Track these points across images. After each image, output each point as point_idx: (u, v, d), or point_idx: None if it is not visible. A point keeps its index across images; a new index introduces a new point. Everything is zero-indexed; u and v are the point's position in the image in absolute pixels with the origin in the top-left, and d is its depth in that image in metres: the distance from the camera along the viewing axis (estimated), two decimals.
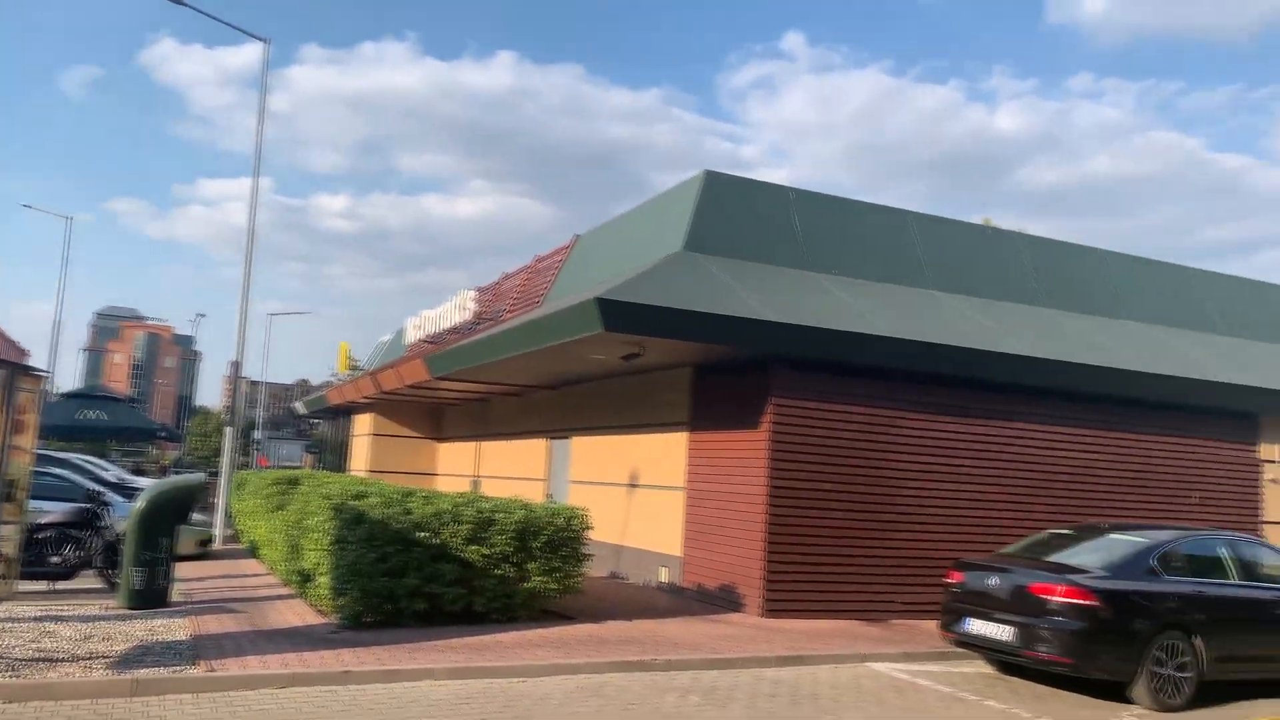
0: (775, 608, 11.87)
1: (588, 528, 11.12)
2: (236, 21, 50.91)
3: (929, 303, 14.72)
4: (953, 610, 9.68)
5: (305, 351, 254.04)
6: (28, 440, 8.13)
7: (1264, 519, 15.68)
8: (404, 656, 8.60)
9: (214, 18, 19.38)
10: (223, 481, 18.94)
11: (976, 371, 13.03)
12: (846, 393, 12.61)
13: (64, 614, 10.03)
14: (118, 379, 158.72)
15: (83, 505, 12.37)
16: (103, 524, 12.46)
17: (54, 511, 12.19)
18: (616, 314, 10.86)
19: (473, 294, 20.99)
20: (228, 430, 18.60)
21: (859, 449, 12.61)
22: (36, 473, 14.99)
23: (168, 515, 10.83)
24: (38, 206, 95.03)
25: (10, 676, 7.17)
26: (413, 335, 24.19)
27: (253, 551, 16.91)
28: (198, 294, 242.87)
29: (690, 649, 9.68)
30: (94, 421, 31.71)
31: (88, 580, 12.29)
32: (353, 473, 25.61)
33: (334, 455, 32.74)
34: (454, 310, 21.53)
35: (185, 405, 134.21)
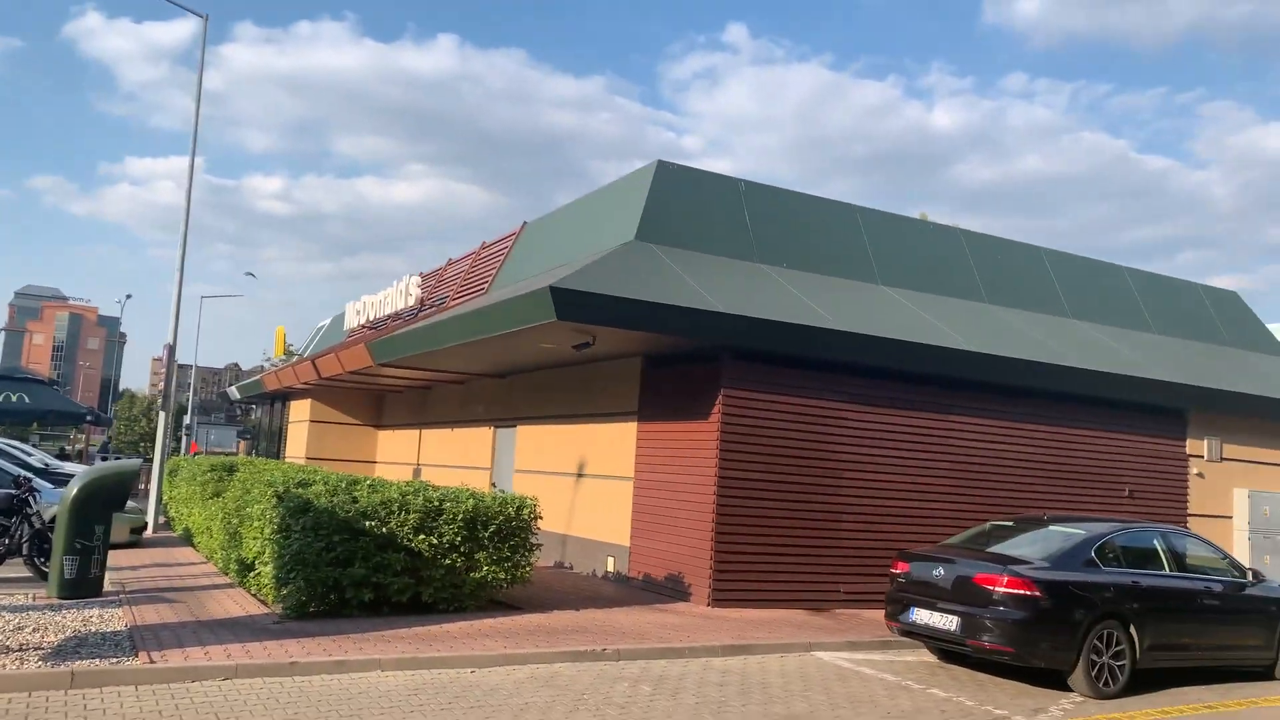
0: (722, 597, 11.96)
1: (538, 517, 11.05)
2: None
3: (875, 297, 14.93)
4: (898, 600, 9.85)
5: (236, 335, 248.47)
6: None
7: (1191, 512, 16.26)
8: (351, 647, 8.46)
9: None
10: (156, 467, 18.42)
11: (917, 365, 13.26)
12: (794, 384, 12.74)
13: None
14: (39, 360, 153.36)
15: (9, 491, 11.91)
16: (31, 510, 12.03)
17: None
18: (570, 302, 10.80)
19: (416, 279, 20.71)
20: (161, 415, 18.08)
21: (805, 440, 12.75)
22: None
23: (102, 502, 10.48)
24: None
25: None
26: (353, 320, 23.79)
27: (187, 539, 16.51)
28: (124, 275, 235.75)
29: (638, 638, 9.69)
30: (15, 405, 30.47)
31: (14, 569, 11.85)
32: (290, 460, 25.10)
33: (269, 442, 32.06)
34: (397, 295, 21.22)
35: (110, 388, 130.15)
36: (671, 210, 13.96)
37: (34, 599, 10.15)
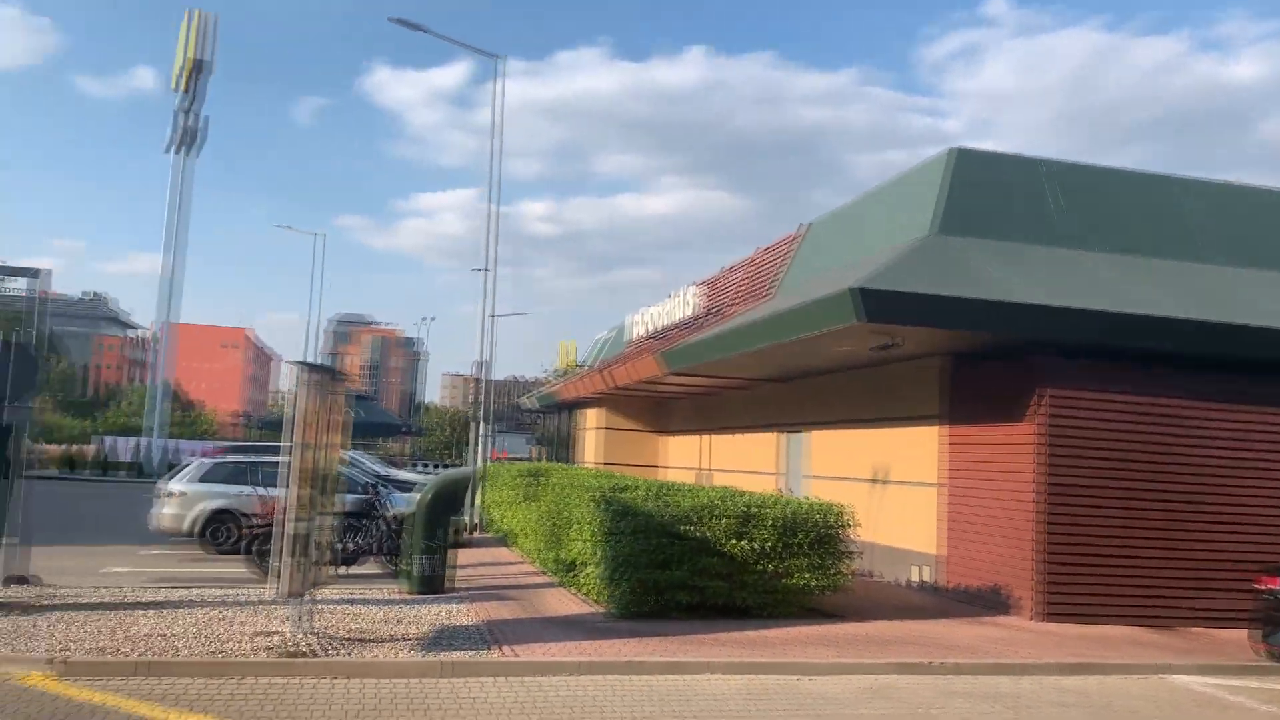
0: (1052, 611, 11.14)
1: (851, 524, 10.85)
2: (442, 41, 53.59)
3: (1204, 278, 13.37)
4: (1272, 620, 8.71)
5: (513, 350, 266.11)
6: (339, 438, 8.80)
7: None
8: (680, 649, 8.68)
9: (449, 39, 20.51)
10: (474, 473, 19.99)
11: (1276, 354, 11.70)
12: (1126, 381, 11.65)
13: (359, 598, 10.82)
14: (352, 380, 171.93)
15: (364, 496, 13.34)
16: (380, 513, 13.42)
17: (341, 502, 13.22)
18: (874, 303, 10.51)
19: (695, 289, 21.10)
20: (473, 425, 19.60)
21: (1142, 441, 11.61)
22: None
23: (446, 506, 11.47)
24: (290, 226, 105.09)
25: (342, 655, 7.78)
26: (636, 331, 24.63)
27: (504, 540, 17.74)
28: (417, 299, 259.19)
29: (968, 652, 9.23)
30: (352, 419, 34.39)
31: (368, 565, 13.22)
32: (583, 465, 26.41)
33: (560, 448, 33.94)
34: (677, 305, 21.72)
35: (411, 401, 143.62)
36: (970, 199, 13.27)
37: (394, 594, 11.26)
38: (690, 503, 10.38)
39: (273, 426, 52.40)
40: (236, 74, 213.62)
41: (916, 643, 9.52)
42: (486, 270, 19.07)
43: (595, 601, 10.81)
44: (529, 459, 37.64)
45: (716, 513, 10.24)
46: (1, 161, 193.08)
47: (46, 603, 9.66)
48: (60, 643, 7.84)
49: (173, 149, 42.31)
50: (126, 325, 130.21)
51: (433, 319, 79.47)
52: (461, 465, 41.49)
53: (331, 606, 9.84)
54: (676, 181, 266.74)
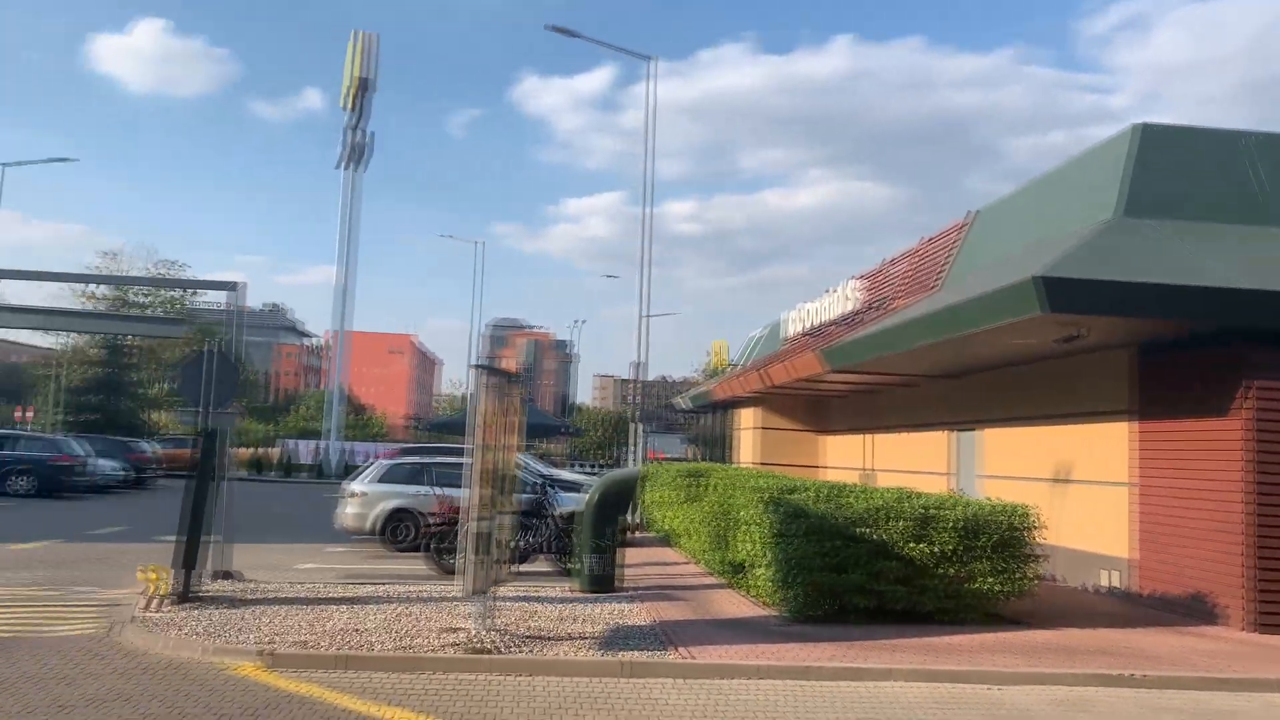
0: (1266, 621, 10.22)
1: (1036, 526, 10.30)
2: (585, 46, 54.51)
3: None
4: None
5: (661, 350, 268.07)
6: (515, 439, 9.01)
7: None
8: (859, 654, 8.43)
9: (601, 43, 20.72)
10: (639, 474, 20.19)
11: None
12: None
13: (533, 595, 11.06)
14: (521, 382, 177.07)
15: (535, 495, 13.65)
16: (549, 512, 13.69)
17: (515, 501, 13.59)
18: (1060, 293, 9.91)
19: (855, 283, 20.57)
20: (633, 426, 19.78)
21: None
22: None
23: (614, 506, 11.59)
24: (453, 236, 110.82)
25: (525, 653, 7.96)
26: (792, 329, 24.24)
27: (666, 539, 17.82)
28: (566, 302, 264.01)
29: (1172, 664, 8.57)
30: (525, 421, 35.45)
31: (536, 563, 13.52)
32: (739, 465, 26.25)
33: (714, 448, 33.87)
34: (836, 300, 21.23)
35: (565, 403, 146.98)
36: (1157, 177, 12.36)
37: (566, 592, 11.46)
38: (864, 504, 10.09)
39: (440, 429, 54.63)
40: (396, 90, 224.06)
41: (1113, 653, 8.91)
42: (641, 272, 19.21)
43: (766, 604, 10.67)
44: (684, 459, 37.76)
45: (893, 515, 9.91)
46: (186, 183, 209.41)
47: (249, 597, 10.33)
48: (266, 636, 8.34)
49: (343, 164, 44.75)
50: (302, 334, 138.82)
51: (583, 321, 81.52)
52: (615, 466, 42.05)
53: (508, 604, 10.09)
54: (823, 174, 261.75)
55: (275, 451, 45.06)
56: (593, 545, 11.43)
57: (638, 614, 10.05)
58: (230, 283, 11.28)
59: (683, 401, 36.34)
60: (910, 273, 18.70)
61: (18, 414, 52.22)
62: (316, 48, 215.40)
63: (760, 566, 10.49)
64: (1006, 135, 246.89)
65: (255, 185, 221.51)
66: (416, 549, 15.60)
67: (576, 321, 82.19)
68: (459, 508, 13.74)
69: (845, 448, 24.39)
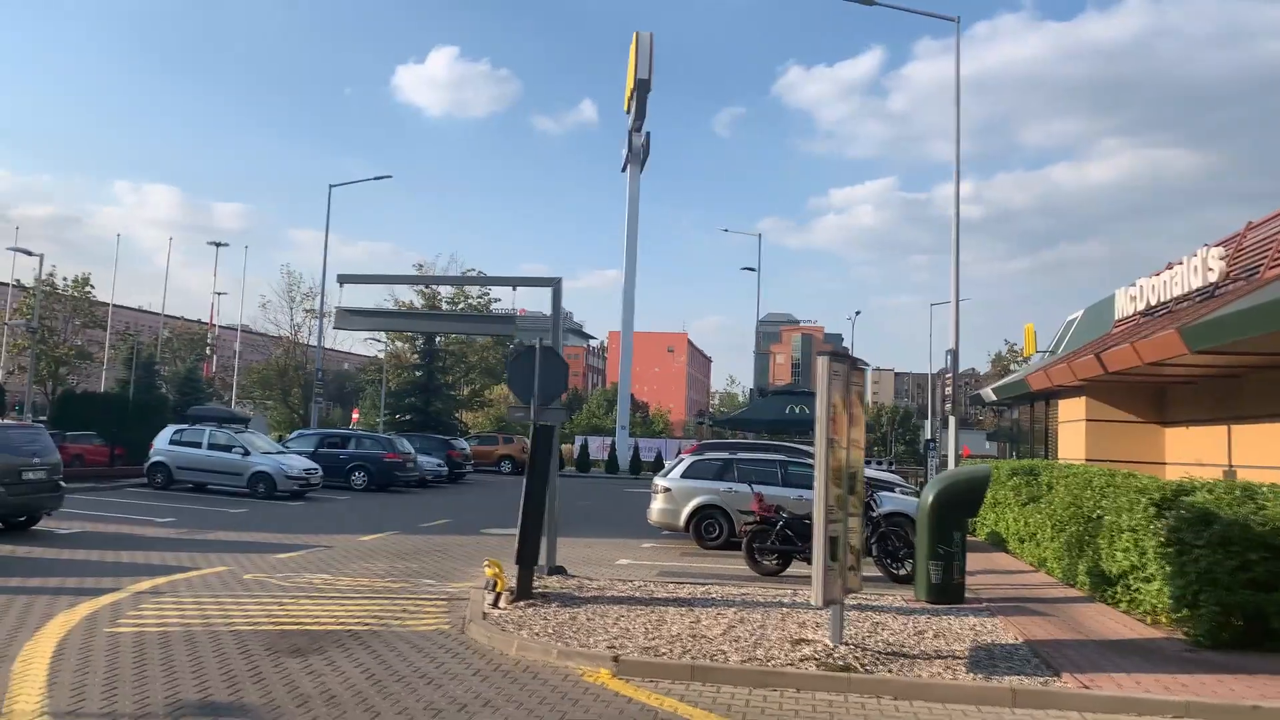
0: None
1: None
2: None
3: None
4: None
5: (942, 340, 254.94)
6: (862, 433, 8.17)
7: None
8: None
9: (901, 7, 19.34)
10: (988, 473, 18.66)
11: None
12: None
13: (869, 603, 10.15)
14: (781, 378, 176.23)
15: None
16: (872, 512, 12.73)
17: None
18: None
19: (1217, 250, 17.83)
20: (950, 421, 18.28)
21: None
22: (799, 463, 16.13)
23: (959, 508, 10.44)
24: (728, 229, 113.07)
25: (891, 673, 7.09)
26: (1127, 308, 21.55)
27: (995, 543, 16.25)
28: (832, 295, 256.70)
29: None
30: (797, 416, 34.74)
31: (865, 568, 12.57)
32: (1065, 461, 23.73)
33: (1024, 444, 31.14)
34: (1189, 272, 18.54)
35: None
36: None
37: (904, 601, 10.46)
38: None
39: (724, 425, 54.81)
40: (666, 90, 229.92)
41: None
42: (955, 258, 17.66)
43: (1155, 624, 9.11)
44: (993, 456, 35.11)
45: None
46: (476, 198, 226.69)
47: (582, 595, 10.20)
48: (607, 639, 8.03)
49: (625, 167, 45.74)
50: (586, 336, 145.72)
51: (858, 313, 78.60)
52: (880, 465, 39.82)
53: (849, 613, 9.26)
54: (1119, 144, 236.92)
55: (569, 448, 46.99)
56: (934, 551, 10.34)
57: (999, 630, 8.87)
58: (553, 279, 11.30)
59: (989, 393, 33.71)
60: None
61: (355, 416, 58.24)
62: (587, 62, 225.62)
63: (1149, 580, 8.94)
64: None
65: (536, 195, 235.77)
66: (725, 547, 15.17)
67: (854, 313, 79.26)
68: (773, 506, 13.14)
69: (1198, 440, 21.25)
